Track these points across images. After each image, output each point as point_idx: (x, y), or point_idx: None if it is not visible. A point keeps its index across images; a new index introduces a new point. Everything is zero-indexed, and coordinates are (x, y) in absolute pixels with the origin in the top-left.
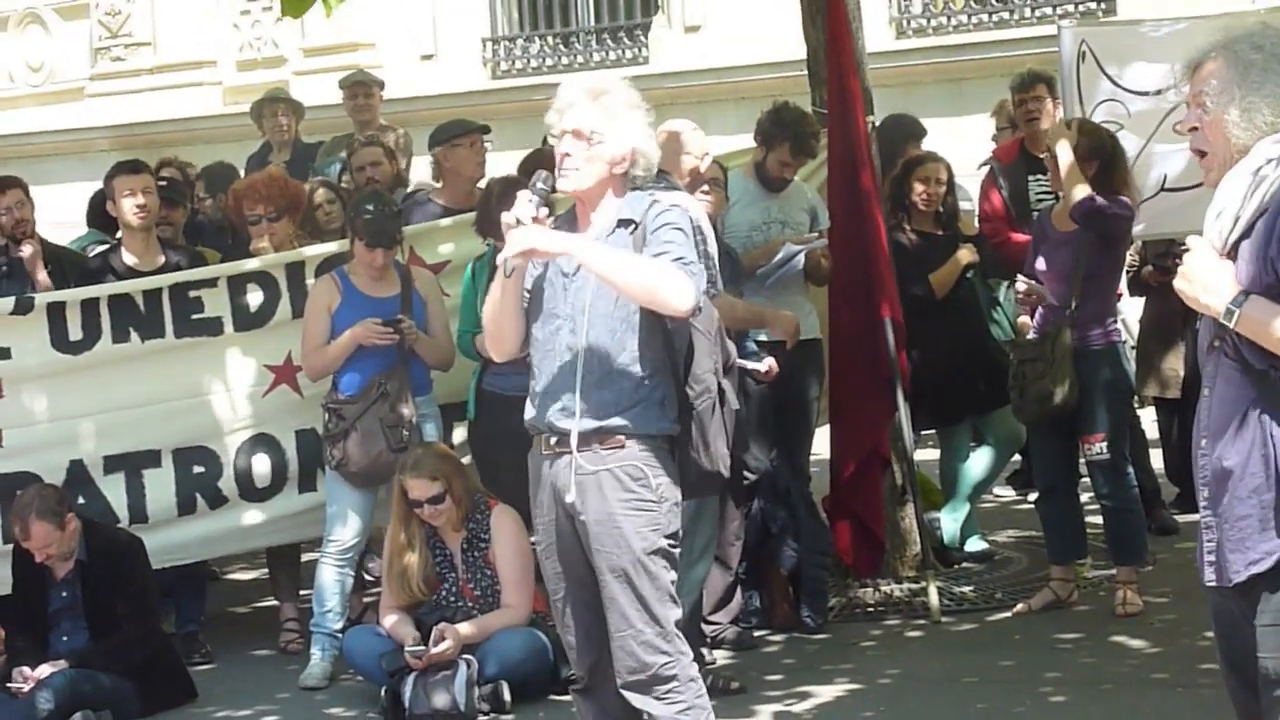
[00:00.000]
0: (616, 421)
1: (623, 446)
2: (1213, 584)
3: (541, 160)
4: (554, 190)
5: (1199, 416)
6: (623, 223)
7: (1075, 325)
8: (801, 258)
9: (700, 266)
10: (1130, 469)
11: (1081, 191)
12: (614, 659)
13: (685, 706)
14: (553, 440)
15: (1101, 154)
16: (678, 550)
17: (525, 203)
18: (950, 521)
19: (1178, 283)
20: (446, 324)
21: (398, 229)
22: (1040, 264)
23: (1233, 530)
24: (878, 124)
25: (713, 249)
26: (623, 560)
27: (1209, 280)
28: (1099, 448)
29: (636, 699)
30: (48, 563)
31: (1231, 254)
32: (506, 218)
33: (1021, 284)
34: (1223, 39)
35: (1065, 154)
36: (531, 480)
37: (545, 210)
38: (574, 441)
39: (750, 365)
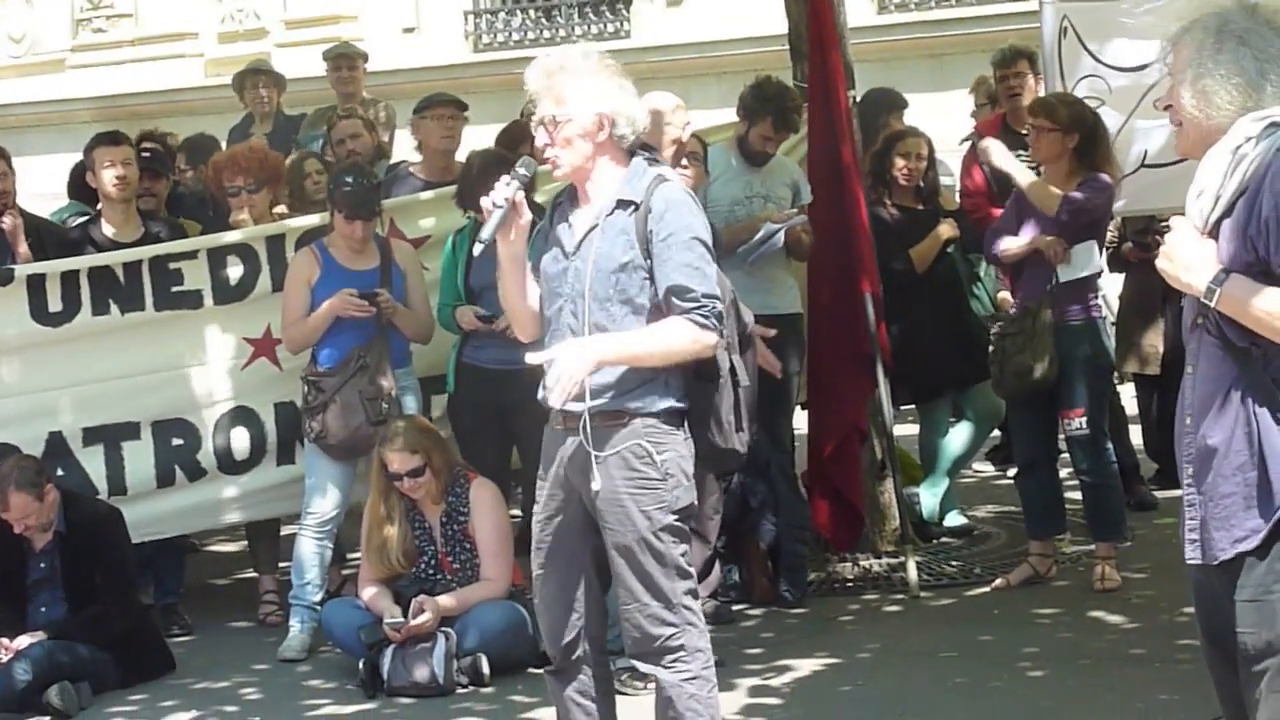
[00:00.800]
0: (619, 403)
1: (626, 425)
2: (1196, 561)
3: (519, 133)
4: (535, 174)
5: (1183, 395)
6: (622, 204)
7: (1056, 300)
8: (782, 236)
9: (715, 300)
10: (1109, 444)
11: (1055, 199)
12: (623, 630)
13: (691, 675)
14: (562, 417)
15: (1083, 126)
16: (689, 521)
17: (503, 186)
18: (929, 496)
19: (1160, 262)
20: (426, 297)
21: (377, 201)
22: (1020, 239)
23: (1217, 508)
24: (859, 99)
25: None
26: (627, 538)
27: (1190, 259)
28: (1078, 423)
29: (644, 666)
30: (26, 534)
31: (1213, 233)
32: (485, 202)
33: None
34: (1196, 17)
35: (1016, 168)
36: (544, 450)
37: (522, 194)
38: (587, 428)
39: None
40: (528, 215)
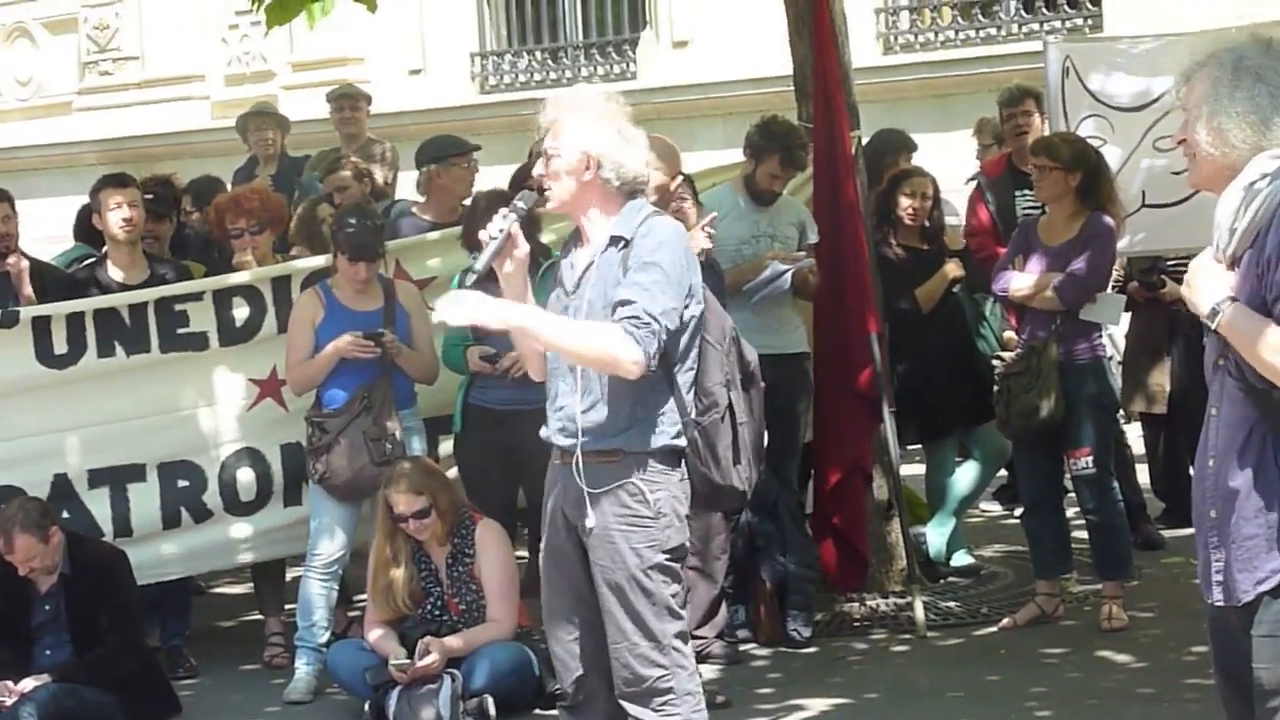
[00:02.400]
0: (613, 443)
1: (619, 463)
2: (1220, 604)
3: (528, 176)
4: (534, 207)
5: (1205, 436)
6: (614, 239)
7: (1061, 340)
8: (789, 277)
9: (655, 320)
10: (1115, 484)
11: (1052, 287)
12: (613, 669)
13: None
14: (560, 453)
15: (1085, 164)
16: (682, 562)
17: (500, 219)
18: (936, 536)
19: (1183, 289)
20: (430, 337)
21: (381, 242)
22: (1027, 276)
23: (1240, 550)
24: (866, 140)
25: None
26: (618, 575)
27: (1203, 283)
28: (1084, 462)
29: (632, 708)
30: (31, 576)
31: (1232, 267)
32: (482, 235)
33: None
34: (1210, 52)
35: (1026, 282)
36: (546, 484)
37: (518, 226)
38: (580, 465)
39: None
40: (524, 247)
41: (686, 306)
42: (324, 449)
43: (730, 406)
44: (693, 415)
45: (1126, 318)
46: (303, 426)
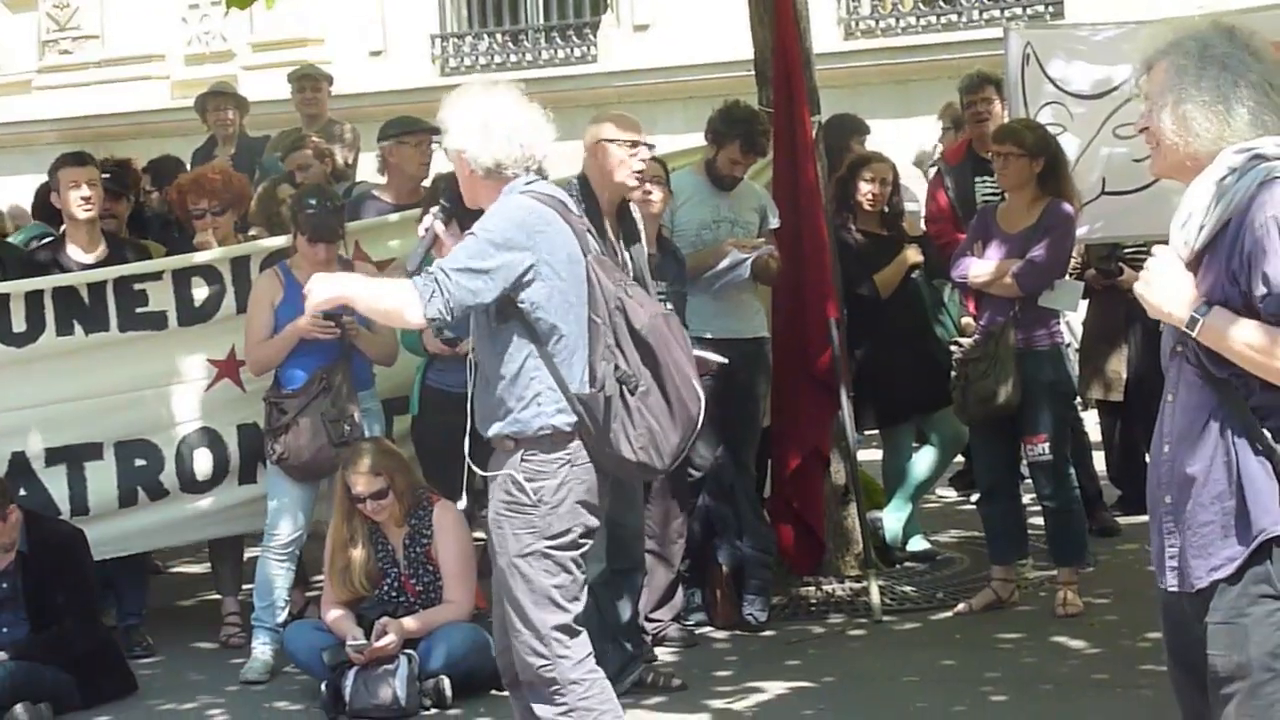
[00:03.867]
0: (498, 428)
1: (509, 452)
2: (1174, 589)
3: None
4: (459, 203)
5: (1161, 422)
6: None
7: (1019, 326)
8: (748, 265)
9: (444, 274)
10: (1072, 470)
11: (1011, 273)
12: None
13: (566, 709)
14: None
15: (1047, 151)
16: (571, 551)
17: (429, 217)
18: (893, 521)
19: (1138, 287)
20: None
21: (341, 224)
22: (986, 262)
23: (1195, 536)
24: (823, 123)
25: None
26: (500, 561)
27: (1170, 289)
28: (1041, 448)
29: (527, 694)
30: None
31: (1194, 263)
32: (419, 228)
33: None
34: (1171, 40)
35: (985, 268)
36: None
37: (440, 223)
38: (466, 449)
39: (709, 356)
40: (450, 245)
41: (529, 276)
42: (282, 430)
43: (622, 379)
44: (589, 390)
45: (1084, 305)
46: (259, 407)
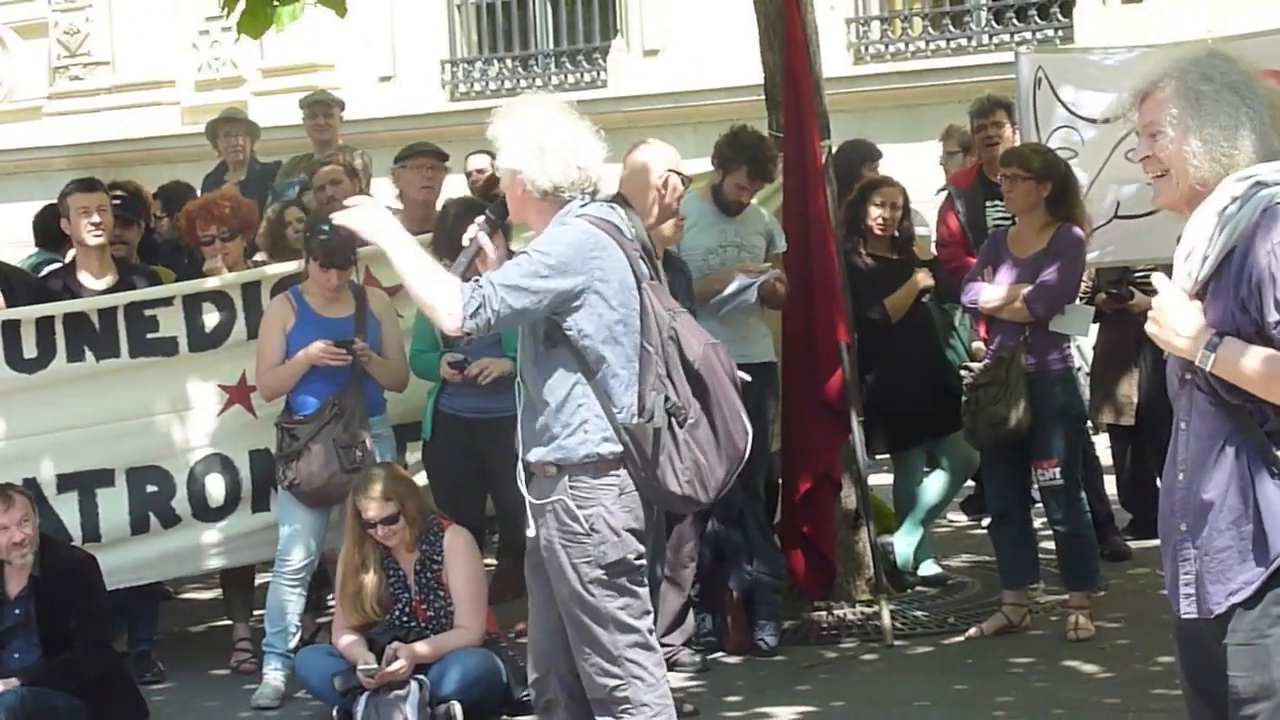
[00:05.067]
0: (540, 454)
1: (557, 479)
2: (1191, 615)
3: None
4: (503, 218)
5: (1174, 450)
6: None
7: (1030, 350)
8: (755, 290)
9: (491, 287)
10: (1083, 494)
11: (1022, 298)
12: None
13: None
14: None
15: (1055, 175)
16: (629, 576)
17: (474, 227)
18: (904, 545)
19: (1149, 326)
20: (400, 344)
21: (353, 249)
22: (997, 287)
23: (1213, 562)
24: (834, 149)
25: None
26: (563, 590)
27: (1179, 324)
28: (1052, 473)
29: (599, 714)
30: (10, 555)
31: (1200, 293)
32: (464, 238)
33: None
34: (1171, 67)
35: (997, 294)
36: None
37: (485, 235)
38: (520, 478)
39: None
40: (493, 256)
41: (579, 302)
42: (294, 456)
43: (672, 411)
44: (636, 420)
45: (1095, 329)
46: (271, 433)
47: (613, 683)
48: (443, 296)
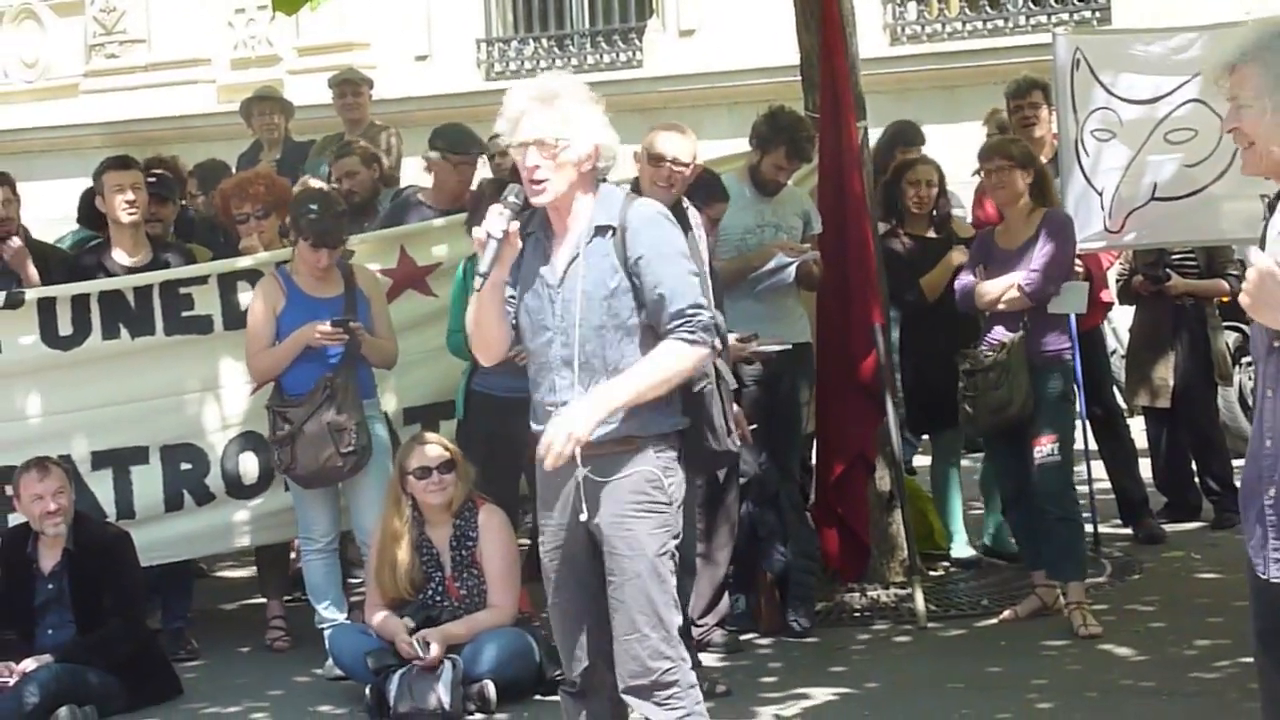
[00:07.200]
0: (625, 429)
1: (638, 451)
2: (1278, 581)
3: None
4: (527, 204)
5: (1260, 417)
6: (600, 229)
7: (1030, 335)
8: (793, 270)
9: (701, 310)
10: (1075, 487)
11: (1018, 285)
12: (617, 662)
13: (685, 713)
14: None
15: (1034, 162)
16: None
17: (496, 216)
18: (991, 525)
19: (1242, 299)
20: (389, 323)
21: (343, 229)
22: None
23: None
24: (879, 130)
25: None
26: (638, 564)
27: (1275, 298)
28: (1050, 448)
29: (636, 703)
30: (44, 524)
31: None
32: (478, 232)
33: None
34: (1255, 42)
35: (994, 287)
36: (539, 485)
37: (516, 224)
38: (578, 458)
39: (768, 348)
40: (519, 245)
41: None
42: (288, 439)
43: (718, 373)
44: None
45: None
46: None
47: (665, 665)
48: (684, 361)
